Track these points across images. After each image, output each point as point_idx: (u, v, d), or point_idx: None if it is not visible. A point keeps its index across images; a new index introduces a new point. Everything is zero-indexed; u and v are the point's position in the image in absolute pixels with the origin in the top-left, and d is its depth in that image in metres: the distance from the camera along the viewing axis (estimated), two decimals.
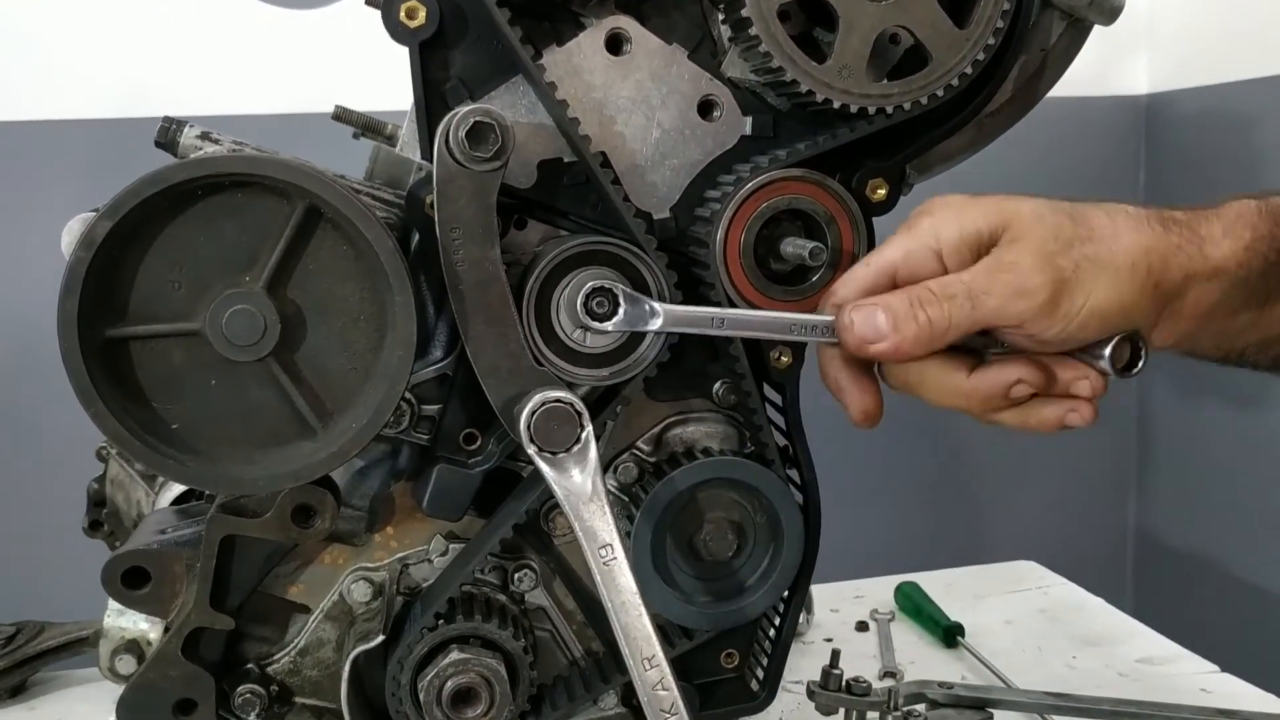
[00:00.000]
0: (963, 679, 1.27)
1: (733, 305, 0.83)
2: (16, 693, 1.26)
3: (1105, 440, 2.21)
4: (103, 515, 1.24)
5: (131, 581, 0.82)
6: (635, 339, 0.81)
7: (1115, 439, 2.21)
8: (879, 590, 1.52)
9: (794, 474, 0.90)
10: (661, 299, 0.81)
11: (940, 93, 0.81)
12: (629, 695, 0.90)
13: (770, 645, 0.92)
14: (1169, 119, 2.12)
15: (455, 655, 0.81)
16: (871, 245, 0.84)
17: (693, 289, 0.83)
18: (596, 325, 0.79)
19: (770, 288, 0.83)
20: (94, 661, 0.92)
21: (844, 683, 1.18)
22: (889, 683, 1.24)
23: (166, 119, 0.82)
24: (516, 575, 0.87)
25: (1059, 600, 1.52)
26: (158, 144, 0.82)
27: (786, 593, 0.89)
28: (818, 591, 1.49)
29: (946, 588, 1.51)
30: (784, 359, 0.85)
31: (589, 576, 0.90)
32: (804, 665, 1.21)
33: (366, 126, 0.85)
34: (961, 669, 1.31)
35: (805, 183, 0.82)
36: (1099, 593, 1.53)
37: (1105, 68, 2.08)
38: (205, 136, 0.82)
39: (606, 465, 0.87)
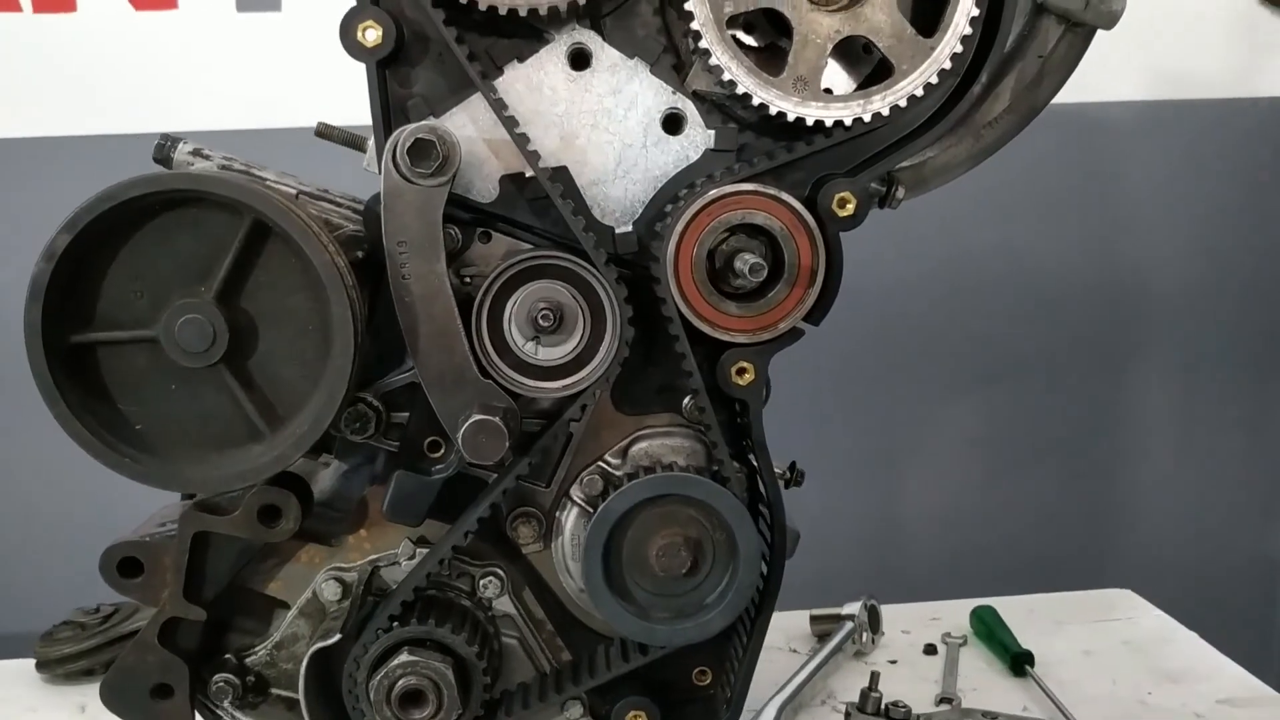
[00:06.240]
0: (1024, 709, 1.22)
1: (685, 321, 0.82)
2: (103, 670, 1.33)
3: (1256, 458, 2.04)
4: None
5: (126, 571, 0.87)
6: (590, 350, 0.81)
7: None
8: (956, 613, 1.47)
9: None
10: (613, 312, 0.81)
11: (903, 104, 0.78)
12: (595, 708, 0.90)
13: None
14: None
15: (404, 657, 0.83)
16: (833, 262, 0.82)
17: (651, 304, 0.83)
18: None
19: (723, 303, 0.81)
20: None
21: (882, 706, 1.16)
22: (944, 709, 1.20)
23: (164, 136, 0.87)
24: (482, 581, 0.89)
25: (1147, 632, 1.43)
26: (155, 160, 0.87)
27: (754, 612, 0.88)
28: (893, 611, 1.45)
29: (1029, 613, 1.44)
30: (746, 375, 0.84)
31: (559, 586, 0.91)
32: (859, 685, 1.18)
33: (346, 142, 0.88)
34: (1025, 698, 1.26)
35: (758, 196, 0.80)
36: (1241, 634, 1.43)
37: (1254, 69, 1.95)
38: (197, 153, 0.86)
39: (573, 478, 0.88)
